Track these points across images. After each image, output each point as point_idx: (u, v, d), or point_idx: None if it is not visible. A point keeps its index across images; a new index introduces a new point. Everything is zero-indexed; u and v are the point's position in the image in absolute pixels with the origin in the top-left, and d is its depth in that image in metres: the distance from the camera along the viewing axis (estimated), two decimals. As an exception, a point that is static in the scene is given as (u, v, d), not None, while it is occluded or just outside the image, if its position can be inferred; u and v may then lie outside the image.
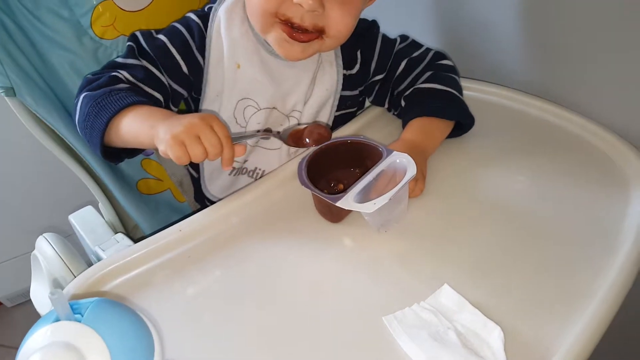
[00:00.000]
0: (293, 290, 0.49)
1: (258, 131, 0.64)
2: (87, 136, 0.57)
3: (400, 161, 0.54)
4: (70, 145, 0.66)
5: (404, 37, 0.71)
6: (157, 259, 0.52)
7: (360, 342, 0.45)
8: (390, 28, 0.71)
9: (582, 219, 0.55)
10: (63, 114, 0.65)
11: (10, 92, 0.62)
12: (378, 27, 0.69)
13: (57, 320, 0.33)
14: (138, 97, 0.55)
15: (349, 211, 0.53)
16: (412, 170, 0.51)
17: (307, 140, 0.58)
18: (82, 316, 0.34)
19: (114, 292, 0.49)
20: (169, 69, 0.61)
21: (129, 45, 0.62)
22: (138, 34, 0.63)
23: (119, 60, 0.61)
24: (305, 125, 0.60)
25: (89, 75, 0.60)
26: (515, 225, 0.55)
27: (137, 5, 0.68)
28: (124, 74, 0.59)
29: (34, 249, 0.61)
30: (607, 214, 0.55)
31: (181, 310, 0.48)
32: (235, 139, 0.53)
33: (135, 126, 0.53)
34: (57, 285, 0.55)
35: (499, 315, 0.45)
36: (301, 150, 0.68)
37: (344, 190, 0.52)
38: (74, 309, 0.34)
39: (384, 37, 0.69)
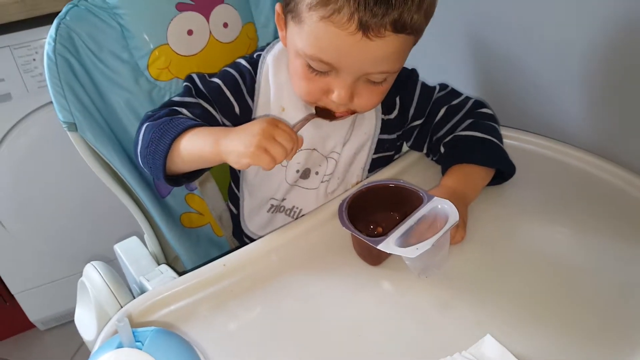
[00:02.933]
0: (331, 332, 0.50)
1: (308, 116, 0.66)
2: (149, 162, 0.60)
3: (442, 207, 0.54)
4: (123, 178, 0.69)
5: (443, 86, 0.73)
6: (201, 292, 0.54)
7: (400, 388, 0.44)
8: (429, 76, 0.73)
9: (626, 274, 0.54)
10: (118, 149, 0.69)
11: (73, 127, 0.66)
12: (417, 75, 0.71)
13: (120, 346, 0.34)
14: (197, 122, 0.59)
15: (389, 254, 0.54)
16: (454, 216, 0.52)
17: None
18: (143, 344, 0.35)
19: (159, 322, 0.51)
20: (223, 108, 0.65)
21: (185, 85, 0.66)
22: (194, 75, 0.67)
23: (176, 99, 0.65)
24: None
25: (149, 112, 0.64)
26: (556, 277, 0.54)
27: (191, 50, 0.73)
28: (183, 110, 0.63)
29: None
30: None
31: (223, 345, 0.49)
32: None
33: (198, 144, 0.57)
34: (103, 313, 0.57)
35: (543, 370, 0.44)
36: (338, 191, 0.70)
37: (383, 234, 0.53)
38: (134, 337, 0.36)
39: (423, 84, 0.71)
